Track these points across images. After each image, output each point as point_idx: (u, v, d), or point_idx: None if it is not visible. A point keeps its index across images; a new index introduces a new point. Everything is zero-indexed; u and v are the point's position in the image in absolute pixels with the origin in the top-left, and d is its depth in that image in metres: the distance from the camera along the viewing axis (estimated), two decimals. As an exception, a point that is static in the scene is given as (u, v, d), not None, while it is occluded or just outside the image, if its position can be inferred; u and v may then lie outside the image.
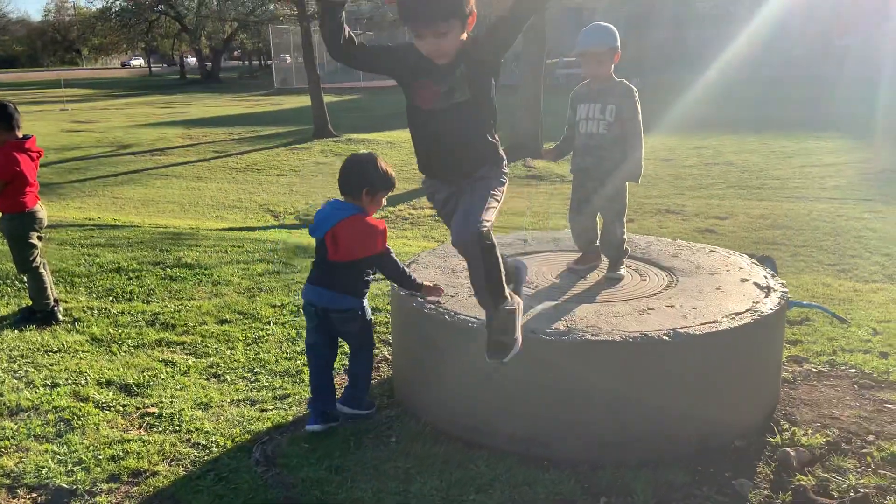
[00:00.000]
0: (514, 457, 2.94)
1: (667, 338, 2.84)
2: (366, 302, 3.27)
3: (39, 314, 4.62)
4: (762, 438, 3.09)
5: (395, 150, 16.16)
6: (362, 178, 3.03)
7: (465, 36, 2.35)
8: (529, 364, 2.94)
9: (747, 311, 3.06)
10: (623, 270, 3.67)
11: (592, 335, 2.87)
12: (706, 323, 2.94)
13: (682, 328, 2.90)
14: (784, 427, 3.18)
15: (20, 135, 4.46)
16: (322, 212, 3.13)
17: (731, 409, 3.05)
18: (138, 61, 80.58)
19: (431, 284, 3.33)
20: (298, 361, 4.00)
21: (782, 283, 3.43)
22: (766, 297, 3.22)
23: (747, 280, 3.46)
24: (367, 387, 3.40)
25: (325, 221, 3.07)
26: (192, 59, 56.45)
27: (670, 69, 29.05)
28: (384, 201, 3.20)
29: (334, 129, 18.03)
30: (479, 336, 2.97)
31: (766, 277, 3.50)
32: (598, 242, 3.77)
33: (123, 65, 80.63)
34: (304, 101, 22.71)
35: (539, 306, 3.21)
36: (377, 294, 5.08)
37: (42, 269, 4.65)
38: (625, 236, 3.67)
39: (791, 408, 3.39)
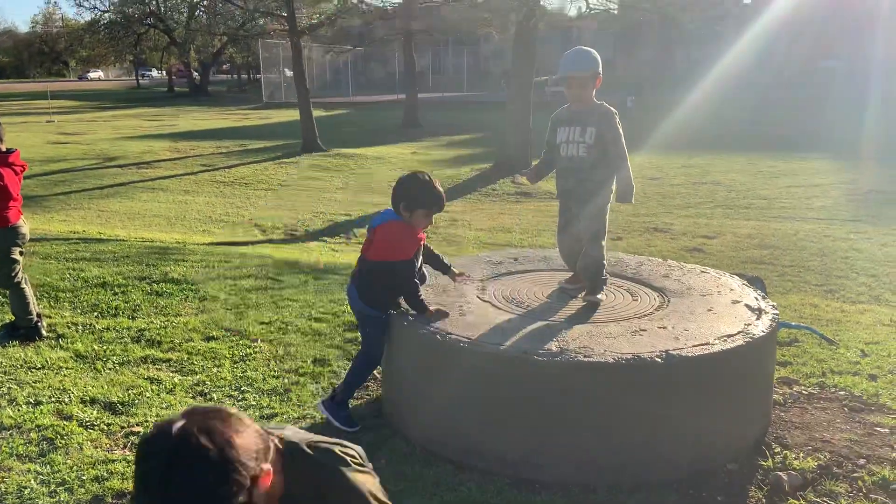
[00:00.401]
0: (506, 479, 2.91)
1: (659, 359, 2.83)
2: (385, 314, 3.34)
3: (22, 330, 4.54)
4: (754, 462, 3.08)
5: (383, 165, 16.17)
6: (399, 194, 3.19)
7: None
8: (521, 385, 2.92)
9: (739, 333, 3.05)
10: (601, 295, 3.53)
11: (585, 356, 2.86)
12: (698, 345, 2.94)
13: (674, 350, 2.88)
14: (776, 450, 3.17)
15: (4, 148, 4.40)
16: (376, 215, 3.35)
17: (723, 432, 3.03)
18: (97, 74, 76.30)
19: (434, 309, 3.31)
20: (286, 380, 3.95)
21: (773, 306, 3.44)
22: (757, 319, 3.22)
23: (739, 301, 3.47)
24: (348, 395, 3.43)
25: (373, 223, 3.30)
26: (156, 73, 55.52)
27: (658, 88, 29.36)
28: (430, 219, 3.24)
29: (323, 143, 18.03)
30: (471, 356, 2.96)
31: (757, 299, 3.50)
32: None
33: (80, 77, 74.93)
34: (293, 115, 22.70)
35: (531, 326, 3.19)
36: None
37: (24, 285, 4.58)
38: (604, 260, 3.54)
39: (782, 430, 3.38)
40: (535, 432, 2.94)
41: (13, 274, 4.50)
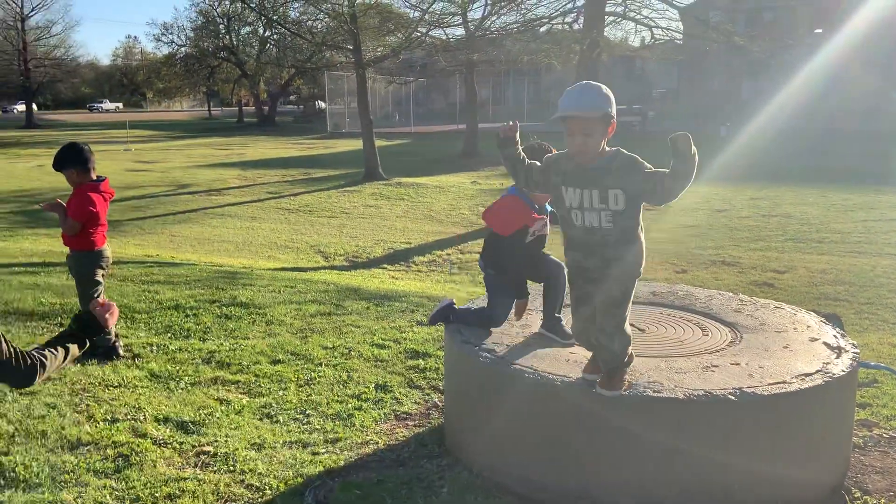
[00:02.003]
0: (571, 514, 2.86)
1: (733, 397, 2.75)
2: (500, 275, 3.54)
3: (101, 349, 4.73)
4: (834, 507, 2.94)
5: (443, 194, 16.32)
6: None
7: None
8: (587, 419, 2.87)
9: (818, 372, 2.94)
10: (624, 391, 2.82)
11: (654, 391, 2.80)
12: (774, 383, 2.84)
13: (748, 387, 2.80)
14: (856, 495, 3.02)
15: (95, 176, 4.65)
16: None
17: (800, 475, 2.91)
18: (21, 106, 64.26)
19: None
20: (349, 405, 4.00)
21: (853, 344, 3.30)
22: (837, 357, 3.10)
23: (816, 339, 3.34)
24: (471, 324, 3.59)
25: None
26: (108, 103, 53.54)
27: (724, 118, 28.82)
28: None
29: (384, 172, 18.33)
30: (535, 387, 2.94)
31: (836, 337, 3.37)
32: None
33: (4, 111, 65.99)
34: (355, 144, 23.21)
35: (597, 359, 3.15)
36: (427, 339, 5.07)
37: (105, 305, 4.78)
38: (629, 348, 2.86)
39: (862, 475, 3.23)
40: (600, 467, 2.88)
41: (96, 295, 4.71)
